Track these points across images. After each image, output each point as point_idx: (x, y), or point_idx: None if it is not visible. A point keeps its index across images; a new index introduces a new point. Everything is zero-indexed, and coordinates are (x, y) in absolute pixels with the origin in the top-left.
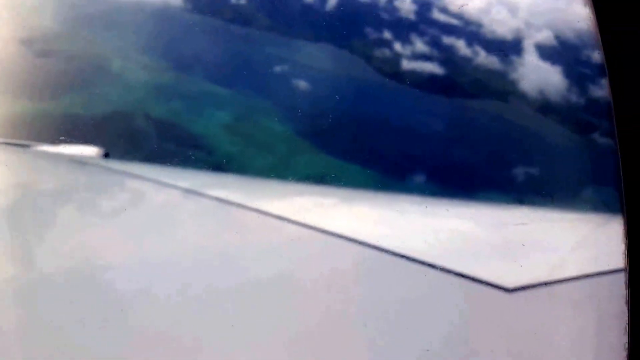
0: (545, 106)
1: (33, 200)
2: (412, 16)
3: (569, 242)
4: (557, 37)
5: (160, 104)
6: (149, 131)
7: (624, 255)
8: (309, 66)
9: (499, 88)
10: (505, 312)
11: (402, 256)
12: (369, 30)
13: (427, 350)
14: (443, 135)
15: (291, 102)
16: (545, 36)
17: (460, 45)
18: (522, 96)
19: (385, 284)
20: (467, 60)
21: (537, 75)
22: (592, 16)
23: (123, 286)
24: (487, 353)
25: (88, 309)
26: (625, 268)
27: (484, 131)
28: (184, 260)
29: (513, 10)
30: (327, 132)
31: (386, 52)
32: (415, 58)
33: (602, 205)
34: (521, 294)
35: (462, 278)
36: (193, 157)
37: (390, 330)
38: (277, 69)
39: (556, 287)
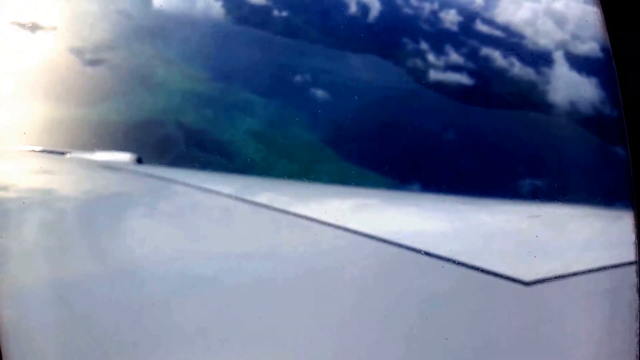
0: (573, 113)
1: (74, 205)
2: (455, 27)
3: (581, 233)
4: (603, 49)
5: (194, 112)
6: (180, 138)
7: (635, 248)
8: (346, 76)
9: (526, 96)
10: (521, 302)
11: (419, 251)
12: (412, 41)
13: (446, 338)
14: (468, 138)
15: (323, 111)
16: (590, 48)
17: (497, 56)
18: (545, 103)
19: (403, 277)
20: (502, 70)
21: (566, 83)
22: (601, 18)
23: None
24: (503, 340)
25: (123, 310)
26: (637, 260)
27: (499, 135)
28: (214, 261)
29: (560, 22)
30: (355, 140)
31: (429, 63)
32: (451, 69)
33: (615, 201)
34: (537, 285)
35: (481, 272)
36: (219, 162)
37: (409, 320)
38: (314, 78)
39: (571, 277)
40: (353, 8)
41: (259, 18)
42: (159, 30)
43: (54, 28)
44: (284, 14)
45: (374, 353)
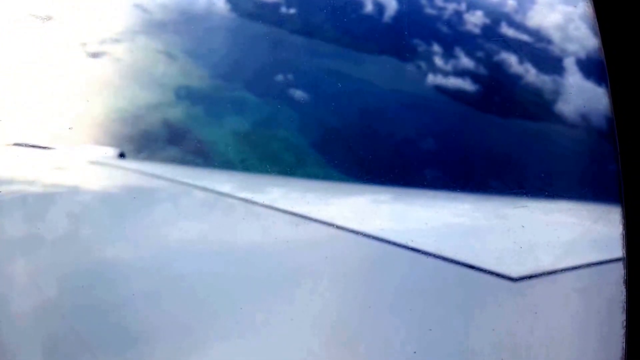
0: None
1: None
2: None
3: (568, 225)
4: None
5: (182, 109)
6: (163, 135)
7: (622, 243)
8: (355, 78)
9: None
10: (506, 293)
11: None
12: (429, 43)
13: (430, 329)
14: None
15: (318, 114)
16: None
17: (513, 61)
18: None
19: (388, 271)
20: (515, 76)
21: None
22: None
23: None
24: (487, 332)
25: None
26: (624, 253)
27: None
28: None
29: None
30: (352, 146)
31: (445, 67)
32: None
33: (603, 197)
34: (525, 277)
35: (468, 267)
36: (197, 162)
37: (393, 314)
38: (319, 79)
39: (559, 271)
40: (368, 7)
41: (271, 15)
42: (170, 25)
43: (62, 19)
44: (297, 11)
45: (364, 348)
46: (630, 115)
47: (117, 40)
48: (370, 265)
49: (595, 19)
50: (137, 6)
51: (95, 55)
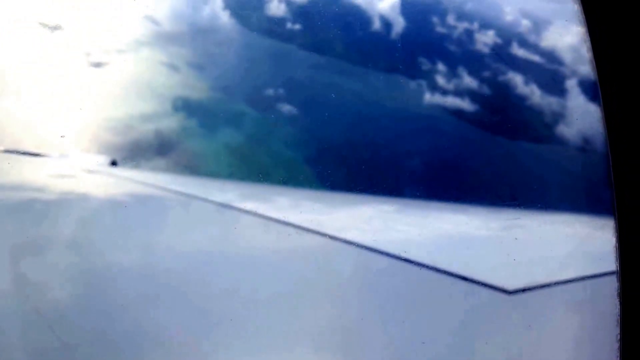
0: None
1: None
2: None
3: (561, 238)
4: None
5: (174, 119)
6: (153, 145)
7: (615, 256)
8: (358, 94)
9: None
10: (500, 306)
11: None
12: (429, 61)
13: (423, 343)
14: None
15: (318, 130)
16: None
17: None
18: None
19: (382, 282)
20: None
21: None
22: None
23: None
24: (481, 345)
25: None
26: (617, 266)
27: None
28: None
29: None
30: (346, 162)
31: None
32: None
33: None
34: (519, 290)
35: (462, 279)
36: (182, 172)
37: (386, 325)
38: (320, 94)
39: (553, 284)
40: (366, 23)
41: (275, 31)
42: (177, 37)
43: (72, 29)
44: (300, 27)
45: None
46: (621, 128)
47: (122, 51)
48: (362, 275)
49: (586, 32)
50: (148, 17)
51: (97, 65)
